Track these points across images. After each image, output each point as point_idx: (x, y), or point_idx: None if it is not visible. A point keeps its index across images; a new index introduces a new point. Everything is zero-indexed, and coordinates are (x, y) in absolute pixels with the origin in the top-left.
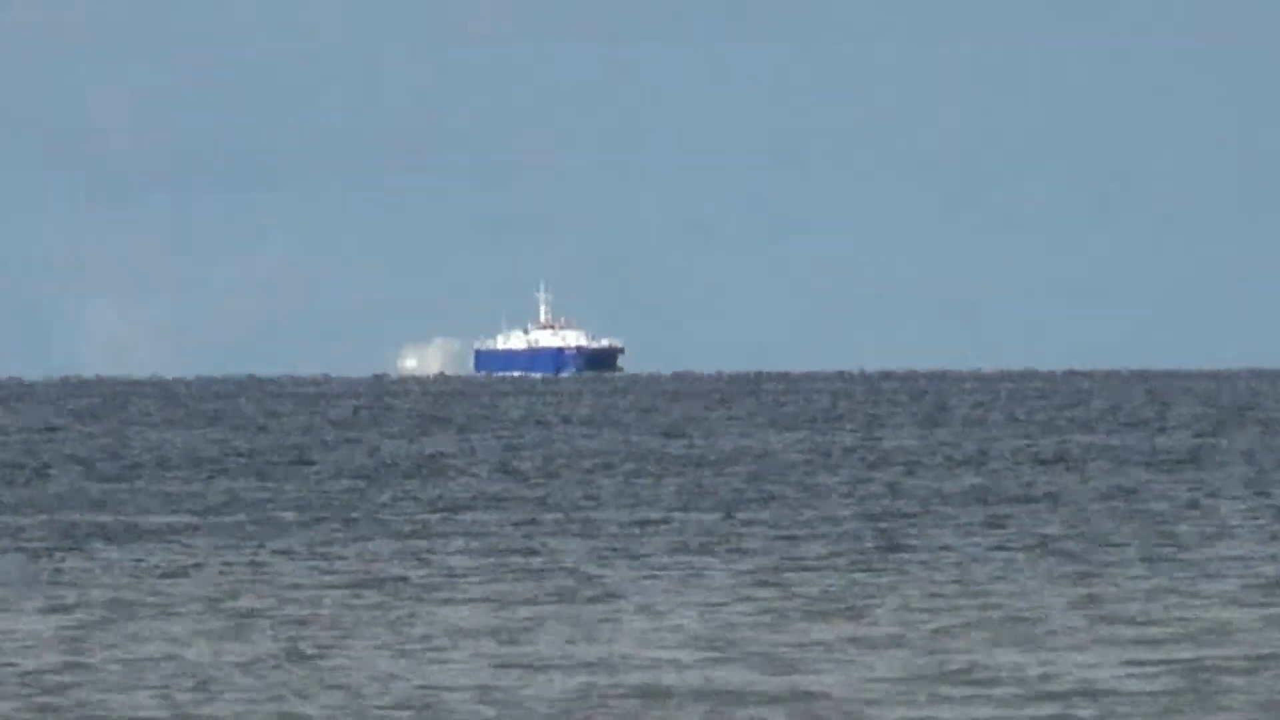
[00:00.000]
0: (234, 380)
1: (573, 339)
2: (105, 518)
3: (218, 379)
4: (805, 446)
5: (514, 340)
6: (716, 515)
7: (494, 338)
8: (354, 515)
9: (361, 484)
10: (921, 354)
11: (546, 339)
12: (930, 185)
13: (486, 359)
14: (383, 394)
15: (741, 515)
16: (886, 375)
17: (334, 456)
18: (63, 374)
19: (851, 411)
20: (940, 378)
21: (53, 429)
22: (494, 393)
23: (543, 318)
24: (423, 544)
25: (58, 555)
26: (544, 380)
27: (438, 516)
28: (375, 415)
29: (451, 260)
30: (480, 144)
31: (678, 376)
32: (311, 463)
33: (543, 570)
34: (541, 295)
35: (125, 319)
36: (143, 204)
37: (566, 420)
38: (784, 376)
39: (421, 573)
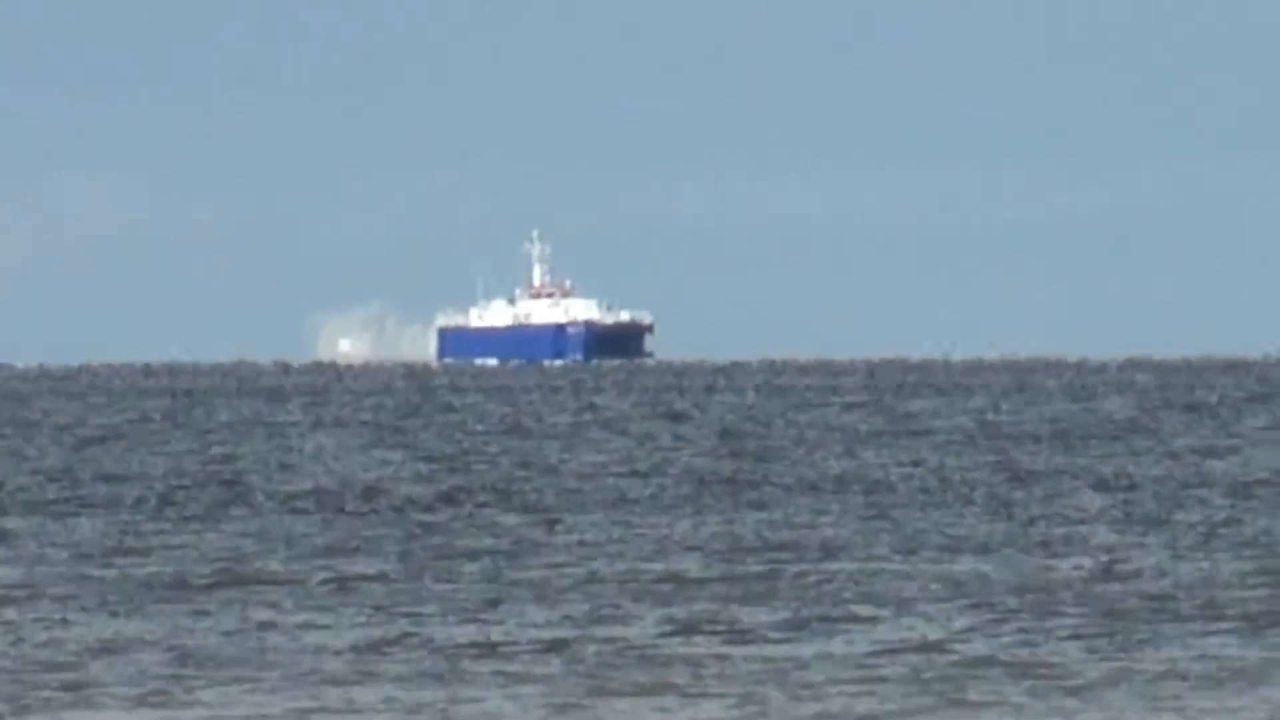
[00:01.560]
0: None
1: (579, 311)
2: None
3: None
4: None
5: (495, 314)
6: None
7: (465, 311)
8: None
9: None
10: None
11: (542, 312)
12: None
13: (455, 341)
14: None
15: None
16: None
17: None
18: None
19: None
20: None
21: None
22: (463, 387)
23: (536, 281)
24: None
25: None
26: (539, 370)
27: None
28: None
29: (399, 199)
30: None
31: (729, 367)
32: None
33: None
34: (534, 248)
35: None
36: None
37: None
38: (859, 366)
39: None
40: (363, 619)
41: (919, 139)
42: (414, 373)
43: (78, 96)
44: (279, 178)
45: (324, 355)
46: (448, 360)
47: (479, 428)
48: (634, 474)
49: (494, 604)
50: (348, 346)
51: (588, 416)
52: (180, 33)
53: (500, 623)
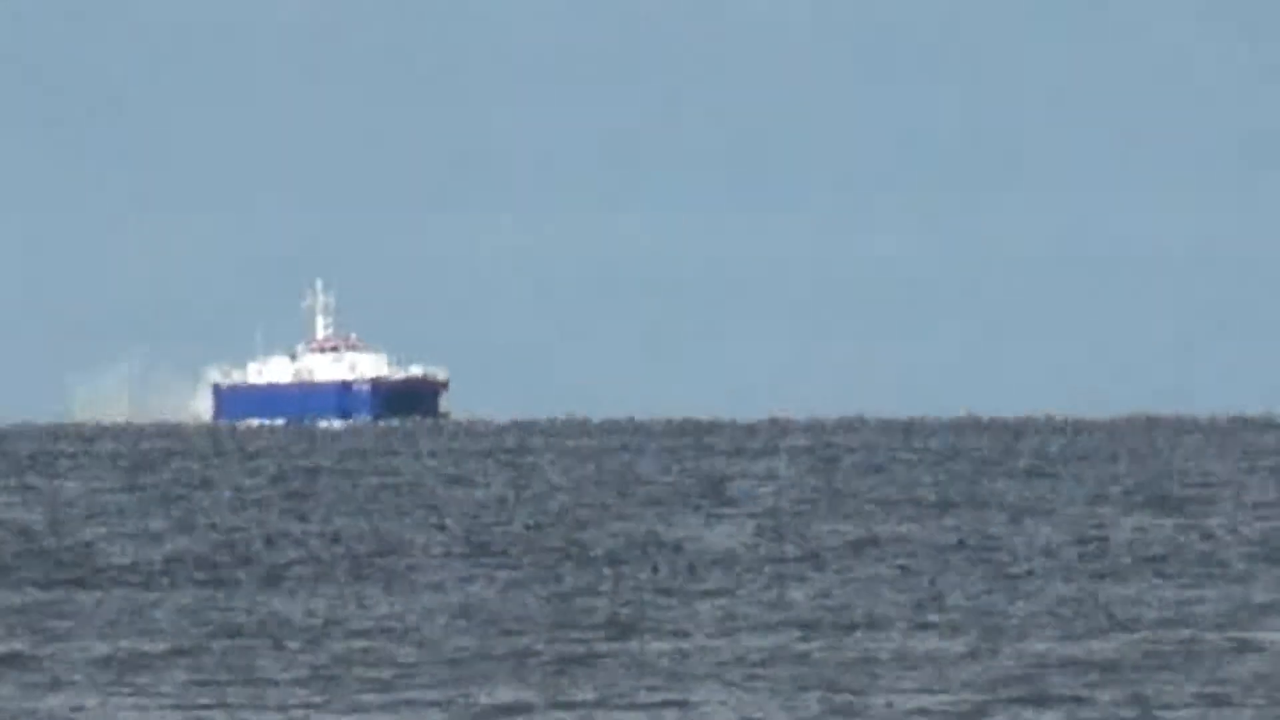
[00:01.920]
0: None
1: (367, 366)
2: None
3: None
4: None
5: (275, 369)
6: None
7: (243, 366)
8: None
9: None
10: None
11: (325, 367)
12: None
13: (232, 399)
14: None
15: None
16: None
17: None
18: None
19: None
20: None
21: None
22: (243, 451)
23: (320, 333)
24: None
25: None
26: (321, 431)
27: None
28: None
29: (170, 239)
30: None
31: (535, 426)
32: None
33: None
34: (318, 297)
35: None
36: None
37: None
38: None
39: None
40: None
41: (774, 177)
42: (171, 434)
43: None
44: (37, 220)
45: (81, 416)
46: (224, 421)
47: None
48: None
49: None
50: (111, 404)
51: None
52: None
53: None
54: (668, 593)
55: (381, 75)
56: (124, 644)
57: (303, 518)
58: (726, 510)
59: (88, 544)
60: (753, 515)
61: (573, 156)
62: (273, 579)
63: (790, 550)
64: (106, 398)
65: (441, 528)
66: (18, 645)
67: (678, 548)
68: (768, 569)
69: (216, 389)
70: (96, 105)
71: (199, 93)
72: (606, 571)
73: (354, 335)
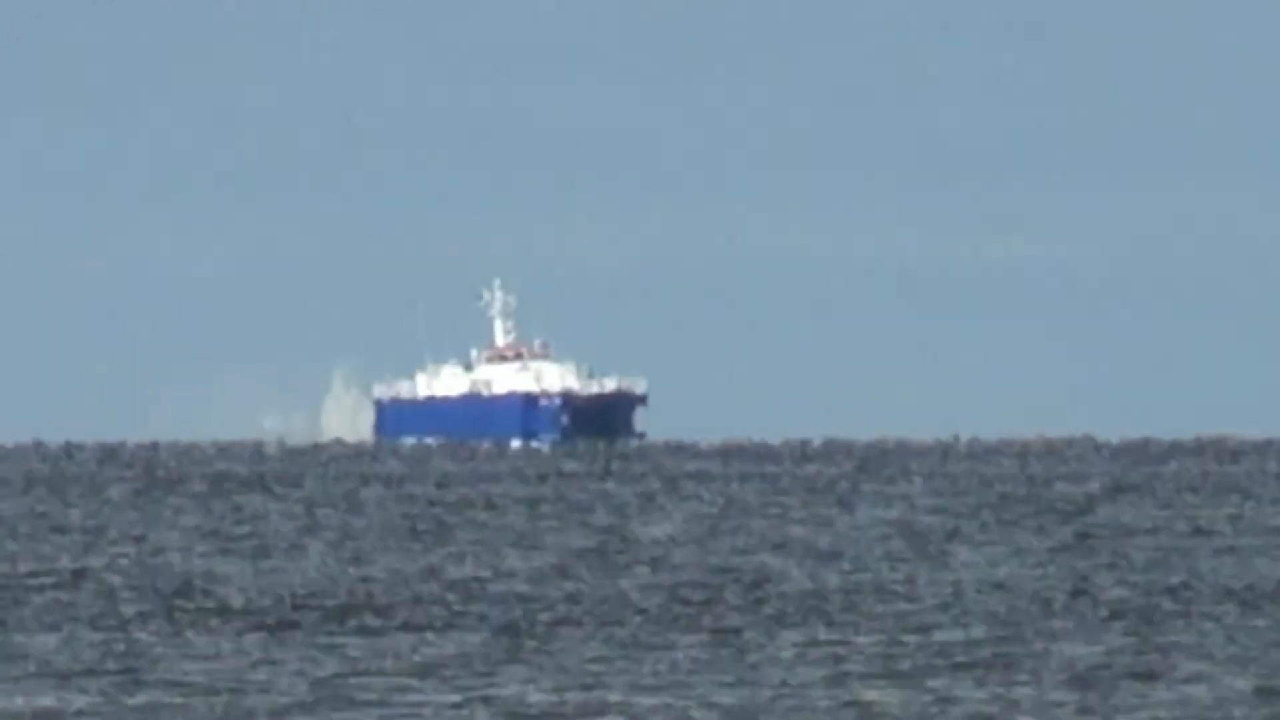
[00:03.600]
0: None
1: (554, 378)
2: None
3: None
4: None
5: (446, 382)
6: None
7: (408, 378)
8: None
9: None
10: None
11: (506, 378)
12: None
13: (395, 415)
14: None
15: None
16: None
17: None
18: None
19: None
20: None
21: None
22: (407, 476)
23: (499, 340)
24: None
25: None
26: (502, 454)
27: None
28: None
29: (322, 237)
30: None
31: (752, 450)
32: None
33: None
34: (495, 299)
35: None
36: None
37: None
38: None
39: None
40: None
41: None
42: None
43: None
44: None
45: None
46: (385, 438)
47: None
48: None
49: None
50: (274, 424)
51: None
52: None
53: None
54: None
55: (563, 59)
56: None
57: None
58: None
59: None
60: None
61: (793, 150)
62: None
63: None
64: (274, 415)
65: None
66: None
67: None
68: None
69: (378, 403)
70: (225, 99)
71: (352, 80)
72: None
73: (539, 342)
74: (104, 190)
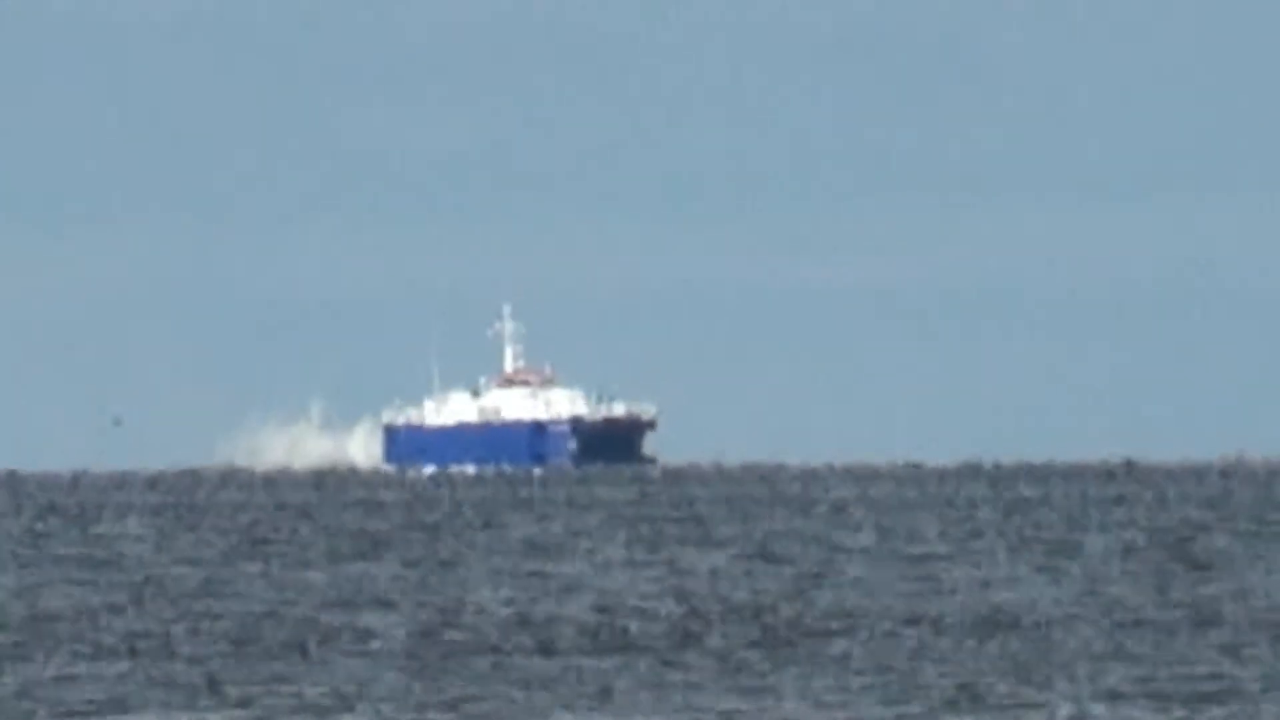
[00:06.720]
0: None
1: (564, 404)
2: None
3: None
4: None
5: (454, 408)
6: None
7: (417, 405)
8: None
9: None
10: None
11: (516, 405)
12: None
13: (406, 441)
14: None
15: None
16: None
17: None
18: None
19: None
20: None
21: None
22: (422, 506)
23: (508, 367)
24: None
25: None
26: (512, 479)
27: None
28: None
29: (332, 259)
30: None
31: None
32: None
33: None
34: (505, 325)
35: None
36: None
37: None
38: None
39: None
40: None
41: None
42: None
43: None
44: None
45: (240, 460)
46: (395, 464)
47: None
48: None
49: None
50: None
51: None
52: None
53: None
54: None
55: (571, 75)
56: None
57: None
58: None
59: None
60: None
61: (803, 172)
62: None
63: None
64: (263, 440)
65: None
66: None
67: None
68: None
69: (388, 430)
70: (254, 125)
71: (373, 101)
72: None
73: (549, 368)
74: (119, 204)
